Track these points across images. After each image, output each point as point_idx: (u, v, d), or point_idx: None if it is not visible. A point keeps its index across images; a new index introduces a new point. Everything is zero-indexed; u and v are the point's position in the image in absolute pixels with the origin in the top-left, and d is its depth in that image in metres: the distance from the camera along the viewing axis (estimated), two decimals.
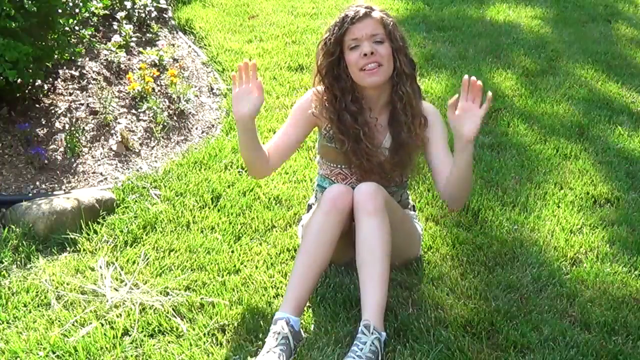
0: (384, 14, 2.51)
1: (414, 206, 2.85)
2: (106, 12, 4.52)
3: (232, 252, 2.82)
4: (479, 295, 2.57)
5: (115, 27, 4.57)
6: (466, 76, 2.32)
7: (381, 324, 2.27)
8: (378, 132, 2.57)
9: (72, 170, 3.36)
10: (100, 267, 2.66)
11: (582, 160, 3.68)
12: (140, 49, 4.47)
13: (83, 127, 3.60)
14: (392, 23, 2.51)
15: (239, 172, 3.42)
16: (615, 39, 5.63)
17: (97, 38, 4.40)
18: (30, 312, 2.44)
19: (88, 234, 2.89)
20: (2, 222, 2.97)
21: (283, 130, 2.63)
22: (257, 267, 2.71)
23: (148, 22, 4.83)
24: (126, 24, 4.56)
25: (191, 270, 2.69)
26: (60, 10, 3.46)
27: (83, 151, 3.49)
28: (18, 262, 2.72)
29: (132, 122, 3.80)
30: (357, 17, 2.46)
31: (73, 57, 3.94)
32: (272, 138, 2.64)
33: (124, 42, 4.39)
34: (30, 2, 3.16)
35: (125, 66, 4.23)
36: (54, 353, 2.24)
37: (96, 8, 4.10)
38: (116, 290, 2.55)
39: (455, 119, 2.32)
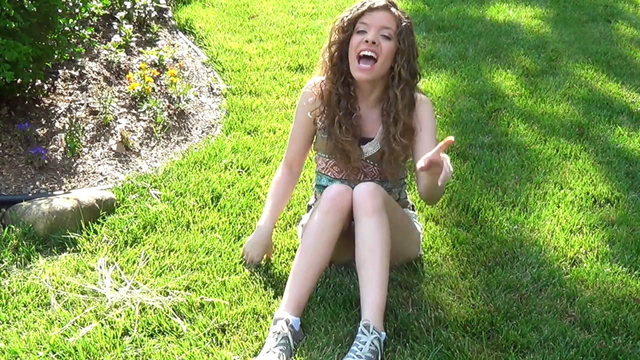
0: (403, 15, 2.55)
1: (413, 206, 2.85)
2: (106, 12, 4.53)
3: (232, 252, 2.82)
4: (479, 295, 2.57)
5: (115, 27, 4.57)
6: (451, 138, 2.16)
7: (381, 323, 2.27)
8: (363, 123, 2.62)
9: (72, 170, 3.36)
10: (100, 267, 2.66)
11: (582, 160, 3.68)
12: (140, 49, 4.47)
13: (83, 127, 3.60)
14: (407, 26, 2.54)
15: (239, 172, 3.43)
16: (615, 39, 5.63)
17: (97, 38, 4.40)
18: (30, 312, 2.44)
19: (88, 234, 2.89)
20: (2, 222, 2.97)
21: (293, 138, 2.77)
22: (257, 267, 2.71)
23: (148, 22, 4.83)
24: (126, 24, 4.56)
25: (191, 270, 2.69)
26: (60, 10, 3.46)
27: (83, 151, 3.49)
28: (18, 262, 2.72)
29: (132, 122, 3.80)
30: (376, 6, 2.53)
31: (73, 57, 3.94)
32: (288, 147, 2.78)
33: (124, 42, 4.39)
34: (30, 2, 3.16)
35: (125, 66, 4.23)
36: (54, 353, 2.24)
37: (96, 8, 4.10)
38: (116, 290, 2.55)
39: (426, 170, 2.20)
